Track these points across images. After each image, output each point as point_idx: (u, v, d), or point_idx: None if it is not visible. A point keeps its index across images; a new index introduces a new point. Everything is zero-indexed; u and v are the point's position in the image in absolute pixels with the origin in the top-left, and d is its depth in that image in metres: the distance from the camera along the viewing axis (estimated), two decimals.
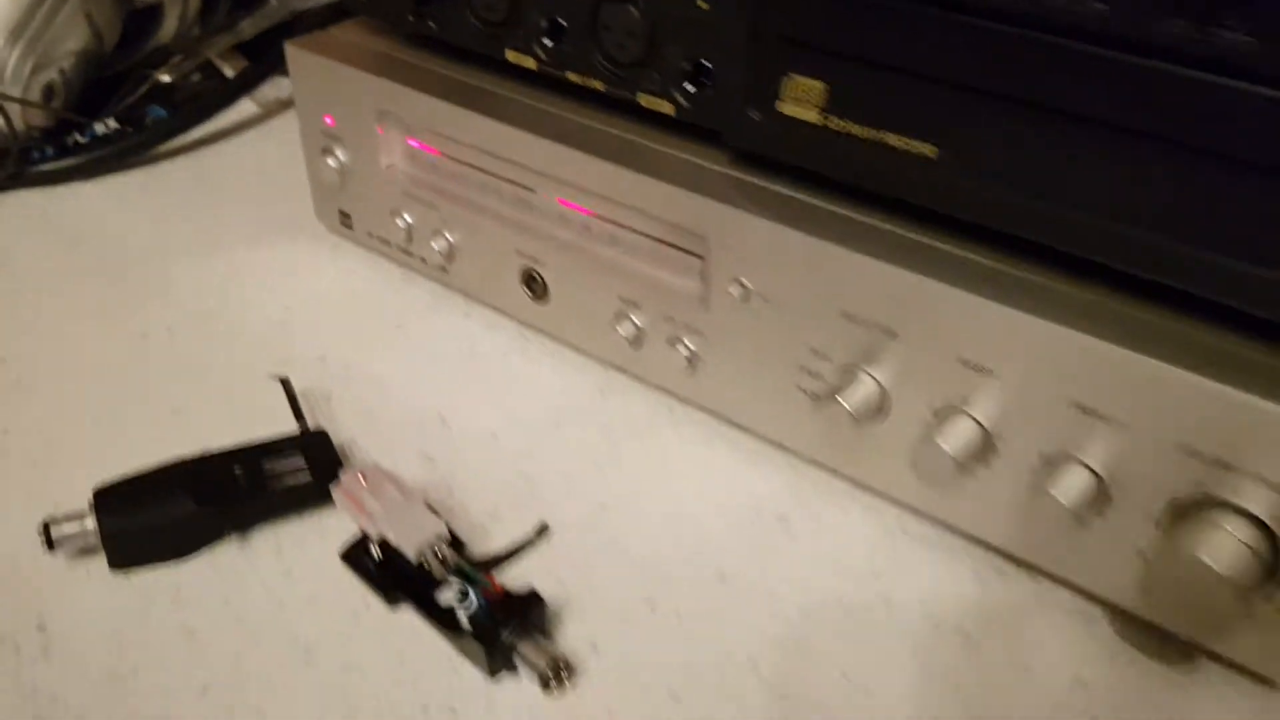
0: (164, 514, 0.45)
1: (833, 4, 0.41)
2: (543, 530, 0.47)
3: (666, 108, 0.49)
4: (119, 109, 0.74)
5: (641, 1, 0.47)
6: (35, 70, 0.69)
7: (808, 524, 0.47)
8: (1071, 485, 0.40)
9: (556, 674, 0.40)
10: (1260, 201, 0.35)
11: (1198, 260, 0.37)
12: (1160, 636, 0.43)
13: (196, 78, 0.80)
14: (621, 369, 0.56)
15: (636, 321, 0.52)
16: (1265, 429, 0.36)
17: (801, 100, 0.44)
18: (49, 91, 0.71)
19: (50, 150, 0.72)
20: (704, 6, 0.45)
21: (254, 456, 0.47)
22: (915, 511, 0.48)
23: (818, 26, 0.42)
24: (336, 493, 0.45)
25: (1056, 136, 0.38)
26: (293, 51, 0.60)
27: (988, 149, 0.40)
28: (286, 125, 0.80)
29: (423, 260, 0.61)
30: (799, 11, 0.42)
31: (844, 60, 0.42)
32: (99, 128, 0.73)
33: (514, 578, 0.44)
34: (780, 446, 0.51)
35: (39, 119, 0.71)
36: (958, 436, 0.42)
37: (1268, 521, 0.37)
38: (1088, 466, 0.40)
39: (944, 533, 0.47)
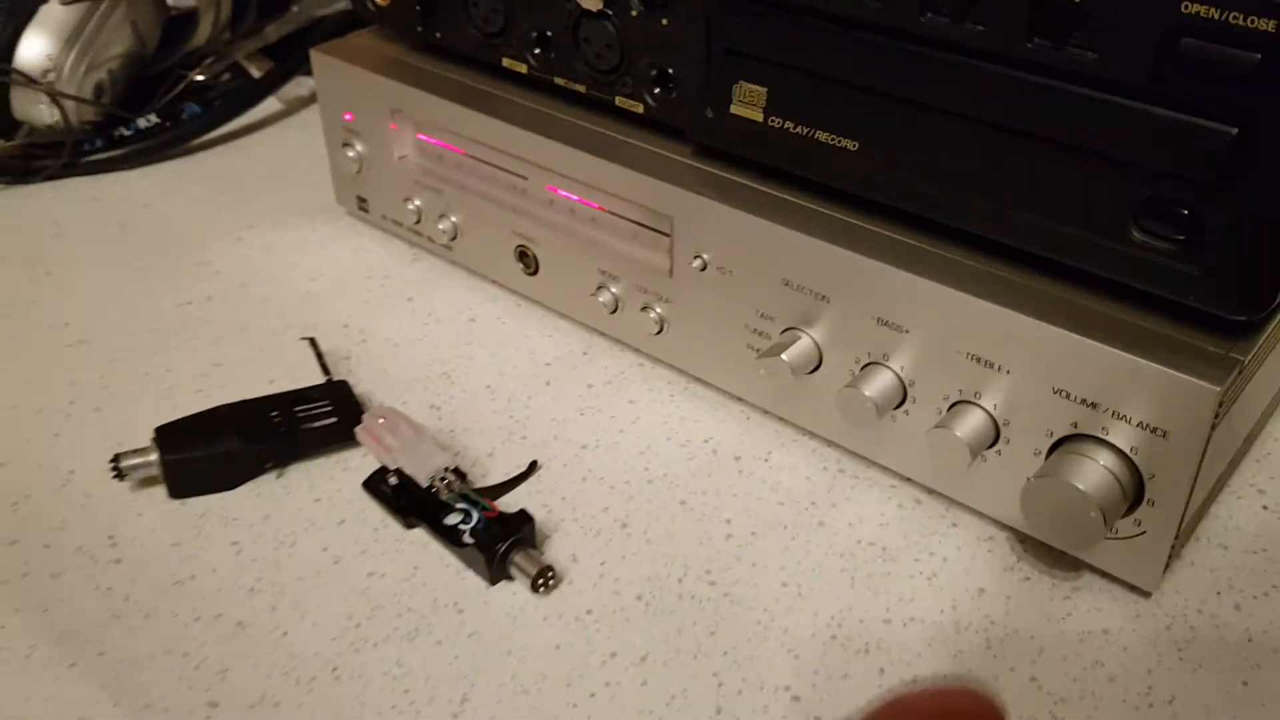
0: (215, 450, 0.52)
1: (772, 23, 0.49)
2: (533, 466, 0.54)
3: (638, 108, 0.57)
4: (159, 105, 0.81)
5: (615, 18, 0.55)
6: (88, 71, 0.76)
7: (757, 463, 0.55)
8: (968, 423, 0.47)
9: (544, 579, 0.48)
10: (1106, 184, 0.43)
11: (1057, 231, 0.45)
12: (1051, 555, 0.49)
13: (226, 77, 0.87)
14: (601, 332, 0.63)
15: (614, 291, 0.60)
16: (1120, 373, 0.43)
17: (748, 103, 0.51)
18: (99, 90, 0.78)
19: (99, 142, 0.79)
20: (665, 23, 0.53)
21: (288, 402, 0.55)
22: (850, 453, 0.55)
23: (759, 42, 0.49)
24: (360, 431, 0.53)
25: (948, 132, 0.46)
26: (317, 56, 0.68)
27: (896, 143, 0.48)
28: (307, 120, 0.87)
29: (430, 240, 0.69)
30: (744, 29, 0.50)
31: (782, 70, 0.50)
32: (142, 122, 0.79)
33: (508, 505, 0.51)
34: (736, 399, 0.59)
35: (90, 114, 0.78)
36: (877, 384, 0.50)
37: (1127, 452, 0.44)
38: (983, 408, 0.48)
39: (873, 470, 0.54)
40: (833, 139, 0.49)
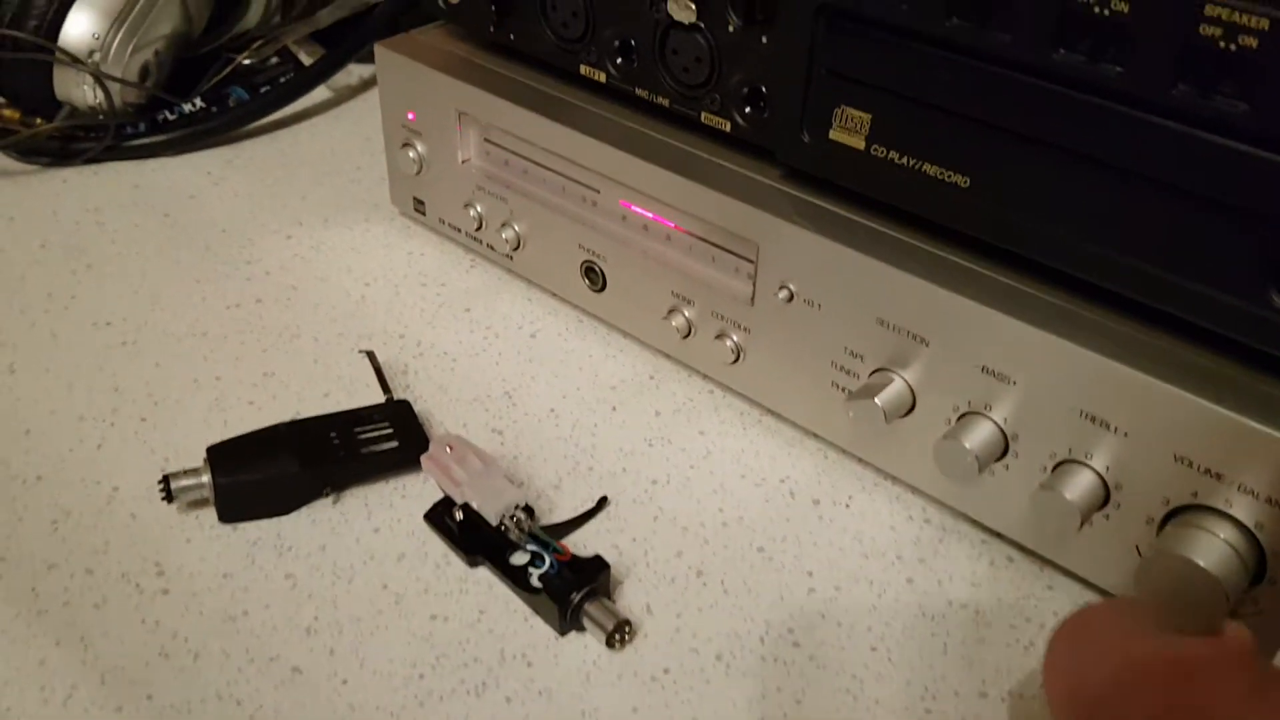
0: (271, 473, 0.50)
1: (881, 48, 0.46)
2: (603, 503, 0.52)
3: (724, 126, 0.54)
4: (205, 89, 0.78)
5: (708, 32, 0.52)
6: (134, 52, 0.72)
7: (838, 509, 0.52)
8: (1078, 485, 0.44)
9: (621, 634, 0.45)
10: (1245, 243, 0.40)
11: (1188, 289, 0.42)
12: None
13: (274, 61, 0.84)
14: (670, 357, 0.60)
15: (687, 315, 0.56)
16: (1249, 444, 0.40)
17: (850, 129, 0.48)
18: (144, 71, 0.74)
19: (142, 126, 0.76)
20: (764, 40, 0.50)
21: (347, 423, 0.52)
22: (937, 502, 0.53)
23: (867, 66, 0.46)
24: (426, 461, 0.50)
25: (1072, 174, 0.43)
26: (381, 52, 0.64)
27: (1013, 182, 0.44)
28: (358, 110, 0.84)
29: (490, 248, 0.65)
30: (852, 52, 0.47)
31: (890, 97, 0.46)
32: (186, 107, 0.76)
33: (576, 544, 0.49)
34: (812, 434, 0.56)
35: (133, 97, 0.75)
36: (978, 436, 0.47)
37: (1251, 528, 0.41)
38: (1093, 469, 0.45)
39: (961, 522, 0.52)
40: (942, 173, 0.46)
